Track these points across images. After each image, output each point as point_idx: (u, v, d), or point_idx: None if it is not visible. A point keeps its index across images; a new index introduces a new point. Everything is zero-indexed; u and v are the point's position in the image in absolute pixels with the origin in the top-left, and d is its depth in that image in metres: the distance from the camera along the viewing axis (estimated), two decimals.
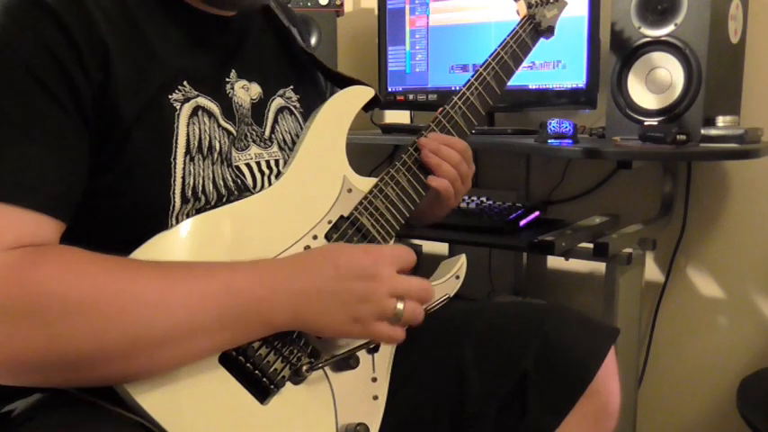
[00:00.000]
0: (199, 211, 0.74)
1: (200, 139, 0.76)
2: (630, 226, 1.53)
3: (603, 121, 1.53)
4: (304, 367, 0.74)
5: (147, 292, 0.63)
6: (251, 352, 0.71)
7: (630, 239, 1.46)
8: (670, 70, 1.40)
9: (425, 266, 0.89)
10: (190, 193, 0.74)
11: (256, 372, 0.71)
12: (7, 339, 0.58)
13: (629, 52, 1.43)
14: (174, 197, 0.73)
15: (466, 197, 1.60)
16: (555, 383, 0.87)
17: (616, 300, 1.38)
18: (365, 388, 0.81)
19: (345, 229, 0.82)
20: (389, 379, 0.84)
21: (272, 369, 0.72)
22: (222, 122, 0.79)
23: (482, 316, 0.95)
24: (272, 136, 0.86)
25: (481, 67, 0.97)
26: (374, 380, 0.82)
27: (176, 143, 0.73)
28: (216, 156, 0.77)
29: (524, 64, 1.02)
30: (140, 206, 0.71)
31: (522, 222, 1.49)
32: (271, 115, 0.87)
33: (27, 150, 0.64)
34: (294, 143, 0.88)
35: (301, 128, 0.90)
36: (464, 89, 0.95)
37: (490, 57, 0.98)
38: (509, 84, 1.00)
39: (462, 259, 0.91)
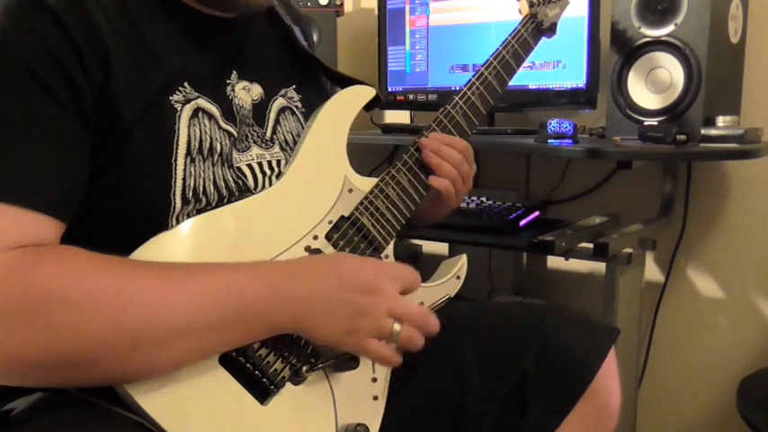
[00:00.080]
0: (199, 212, 0.74)
1: (200, 140, 0.76)
2: (630, 226, 1.53)
3: (603, 121, 1.53)
4: (304, 368, 0.74)
5: (148, 293, 0.63)
6: (251, 352, 0.71)
7: (630, 239, 1.46)
8: (670, 70, 1.40)
9: (426, 266, 0.89)
10: (190, 194, 0.74)
11: (256, 372, 0.71)
12: (7, 339, 0.58)
13: (629, 52, 1.43)
14: (174, 198, 0.73)
15: (466, 197, 1.60)
16: (555, 383, 0.87)
17: (616, 300, 1.38)
18: (365, 388, 0.81)
19: (346, 230, 0.82)
20: (389, 379, 0.84)
21: (272, 369, 0.72)
22: (223, 124, 0.79)
23: (482, 316, 0.96)
24: (274, 136, 0.86)
25: (483, 66, 0.96)
26: (374, 380, 0.82)
27: (177, 144, 0.73)
28: (216, 157, 0.77)
29: (526, 63, 1.02)
30: (141, 207, 0.71)
31: (522, 222, 1.50)
32: (272, 116, 0.87)
33: (27, 150, 0.64)
34: (296, 143, 0.88)
35: (303, 128, 0.89)
36: (465, 88, 0.94)
37: (492, 56, 0.97)
38: (509, 83, 0.99)
39: (463, 259, 0.91)
